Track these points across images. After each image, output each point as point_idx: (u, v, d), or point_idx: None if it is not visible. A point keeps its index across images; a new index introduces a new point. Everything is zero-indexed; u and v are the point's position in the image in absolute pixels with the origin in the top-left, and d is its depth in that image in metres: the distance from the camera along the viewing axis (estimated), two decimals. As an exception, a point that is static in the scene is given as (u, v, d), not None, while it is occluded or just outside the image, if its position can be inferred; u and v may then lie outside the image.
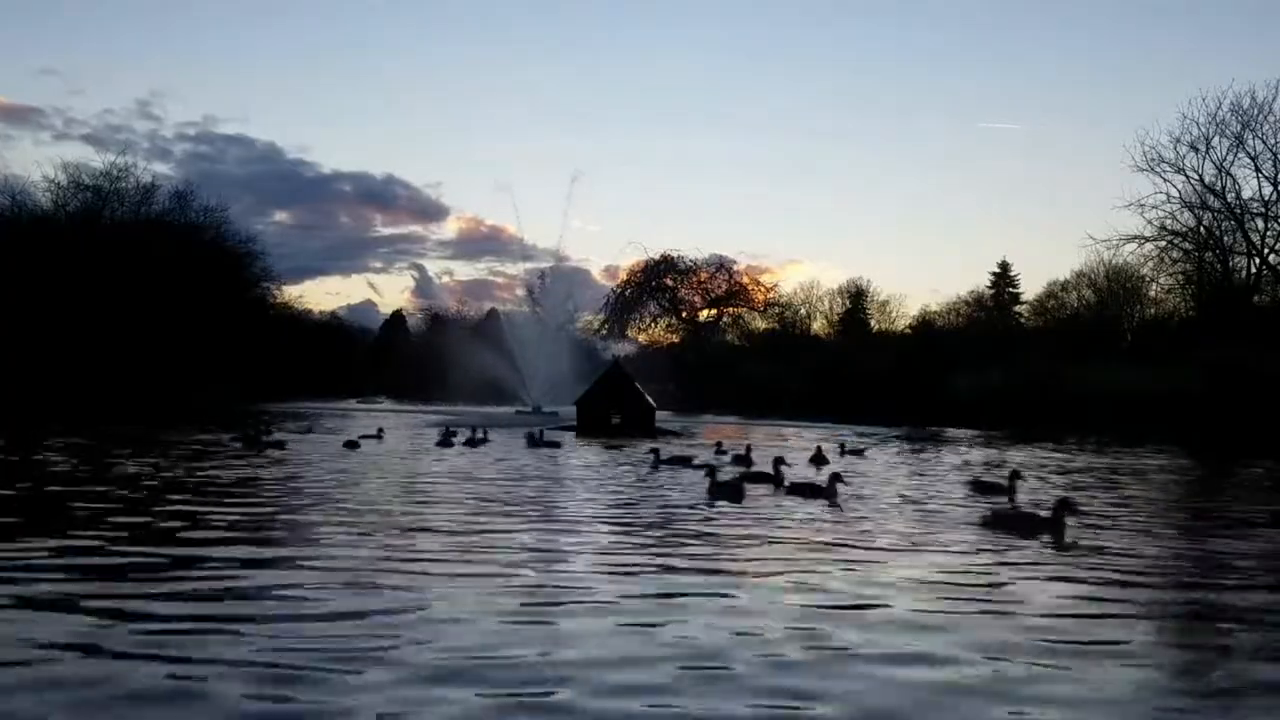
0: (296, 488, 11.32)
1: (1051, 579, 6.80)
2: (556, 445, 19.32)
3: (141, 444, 17.06)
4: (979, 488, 12.41)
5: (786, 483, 12.19)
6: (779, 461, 12.92)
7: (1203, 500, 13.63)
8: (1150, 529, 9.59)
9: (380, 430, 21.14)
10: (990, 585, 6.54)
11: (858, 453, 19.50)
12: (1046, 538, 8.48)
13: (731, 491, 11.29)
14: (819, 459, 16.98)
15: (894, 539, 8.37)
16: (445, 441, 19.06)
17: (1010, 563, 7.37)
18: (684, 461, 15.68)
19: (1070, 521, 8.85)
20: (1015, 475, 12.36)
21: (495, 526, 8.69)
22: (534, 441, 19.28)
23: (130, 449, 15.91)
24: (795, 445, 22.20)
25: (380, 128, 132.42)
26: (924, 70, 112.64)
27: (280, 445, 17.14)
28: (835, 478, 11.30)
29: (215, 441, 18.36)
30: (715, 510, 10.05)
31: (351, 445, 17.82)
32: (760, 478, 12.81)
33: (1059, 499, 9.25)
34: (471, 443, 19.20)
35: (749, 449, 16.28)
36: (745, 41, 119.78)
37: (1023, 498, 11.68)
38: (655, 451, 16.48)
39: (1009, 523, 8.97)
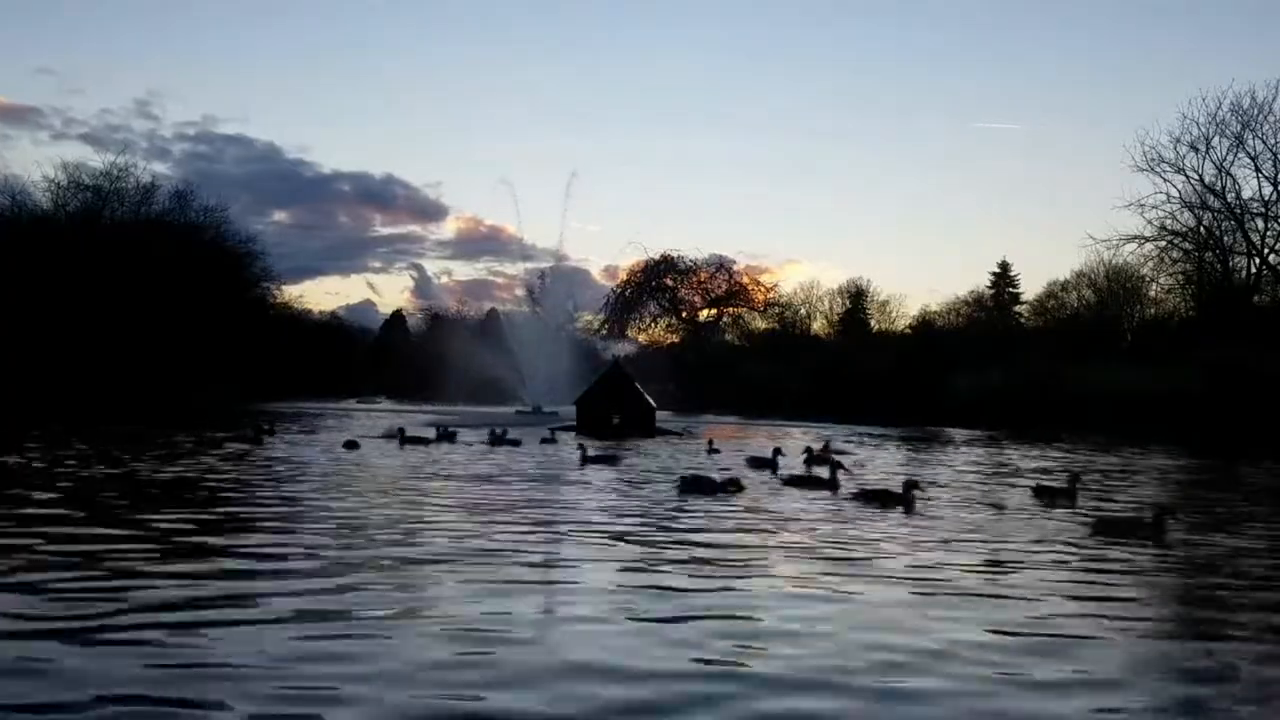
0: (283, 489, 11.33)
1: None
2: (517, 443, 19.43)
3: (137, 443, 17.05)
4: (1040, 493, 12.16)
5: (846, 488, 11.78)
6: (837, 466, 12.56)
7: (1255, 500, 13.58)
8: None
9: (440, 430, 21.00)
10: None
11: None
12: (1148, 541, 8.62)
13: (704, 485, 11.44)
14: (816, 460, 16.81)
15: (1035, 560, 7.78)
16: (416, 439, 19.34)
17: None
18: (610, 460, 15.73)
19: (1171, 524, 9.12)
20: (1075, 479, 12.27)
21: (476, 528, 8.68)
22: (496, 440, 19.57)
23: (123, 448, 15.91)
24: (790, 445, 22.16)
25: (380, 128, 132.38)
26: (924, 70, 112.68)
27: (260, 439, 17.66)
28: (912, 485, 10.79)
29: (212, 440, 18.36)
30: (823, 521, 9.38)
31: (351, 445, 17.79)
32: (814, 482, 12.49)
33: (1160, 505, 9.48)
34: (424, 440, 19.46)
35: (777, 451, 15.67)
36: (745, 41, 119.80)
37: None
38: (582, 448, 16.61)
39: (1115, 528, 9.10)
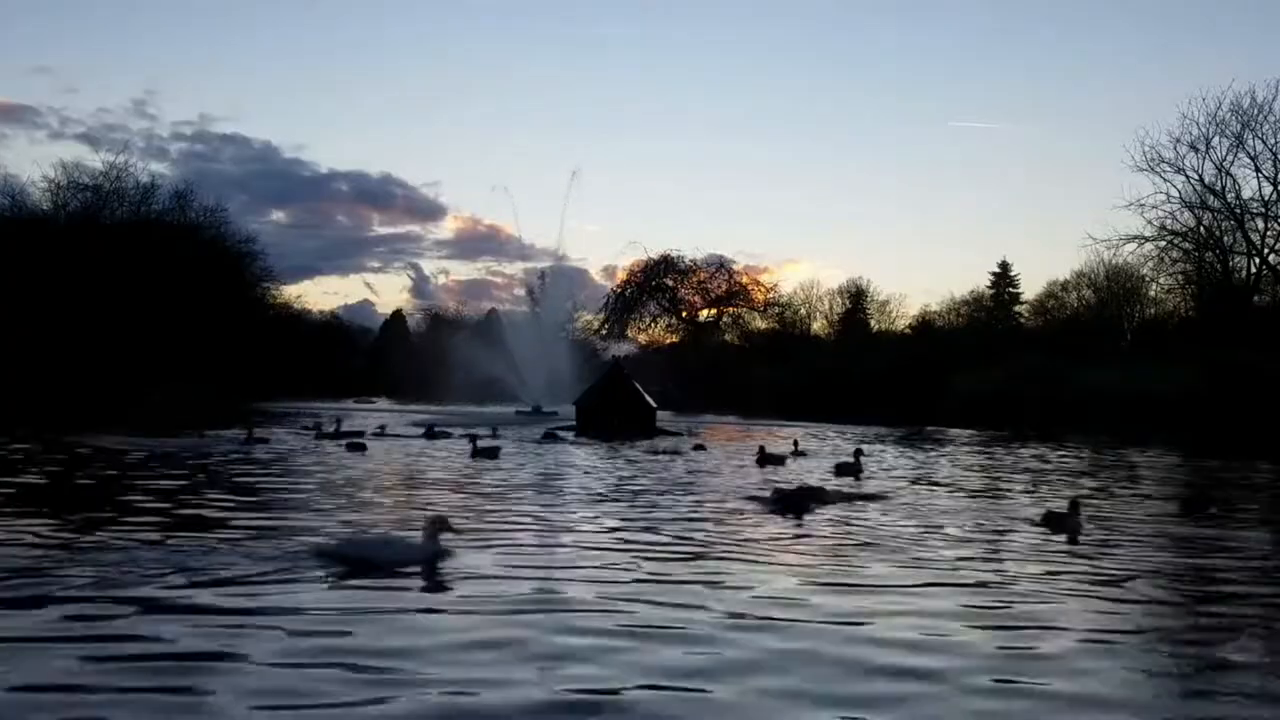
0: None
1: None
2: (448, 435, 20.86)
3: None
4: (1187, 506, 11.63)
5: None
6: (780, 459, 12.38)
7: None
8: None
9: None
10: None
11: (803, 454, 19.16)
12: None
13: (793, 503, 10.36)
14: (768, 459, 16.42)
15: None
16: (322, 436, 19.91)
17: None
18: (491, 454, 16.06)
19: None
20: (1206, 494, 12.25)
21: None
22: (431, 434, 21.14)
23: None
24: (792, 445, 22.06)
25: (377, 127, 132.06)
26: (923, 70, 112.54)
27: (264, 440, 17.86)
28: (1076, 506, 9.64)
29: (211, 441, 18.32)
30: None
31: (355, 448, 17.66)
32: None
33: None
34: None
35: (807, 452, 14.87)
36: (745, 41, 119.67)
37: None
38: (473, 439, 17.13)
39: None
